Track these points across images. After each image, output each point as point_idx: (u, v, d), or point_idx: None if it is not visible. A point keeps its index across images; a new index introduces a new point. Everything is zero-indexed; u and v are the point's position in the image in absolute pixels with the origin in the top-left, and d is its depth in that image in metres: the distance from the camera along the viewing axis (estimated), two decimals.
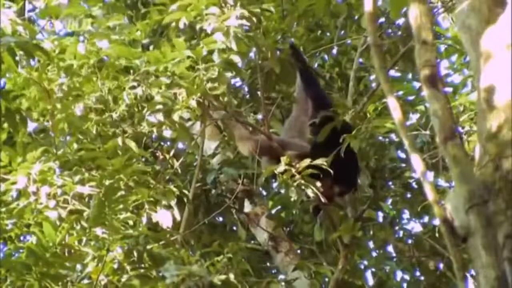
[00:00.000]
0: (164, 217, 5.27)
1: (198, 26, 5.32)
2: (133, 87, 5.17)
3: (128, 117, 5.22)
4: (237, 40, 5.19)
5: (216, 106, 5.73)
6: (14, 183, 4.82)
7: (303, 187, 5.51)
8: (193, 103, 5.16)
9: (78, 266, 4.89)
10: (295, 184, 5.50)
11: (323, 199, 5.67)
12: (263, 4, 5.61)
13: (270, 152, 6.08)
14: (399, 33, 6.83)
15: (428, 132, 6.30)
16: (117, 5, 6.46)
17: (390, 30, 6.97)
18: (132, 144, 5.19)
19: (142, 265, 4.84)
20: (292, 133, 6.39)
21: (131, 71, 5.23)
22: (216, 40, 5.20)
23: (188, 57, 5.19)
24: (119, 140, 5.16)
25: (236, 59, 5.27)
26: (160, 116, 5.15)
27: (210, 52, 5.26)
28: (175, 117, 5.16)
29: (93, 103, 5.20)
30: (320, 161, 5.48)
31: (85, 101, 5.18)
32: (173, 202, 5.35)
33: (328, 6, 6.74)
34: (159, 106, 5.15)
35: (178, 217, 5.41)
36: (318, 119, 6.01)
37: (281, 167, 5.50)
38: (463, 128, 6.14)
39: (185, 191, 5.86)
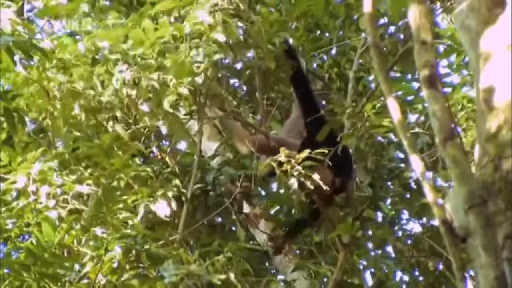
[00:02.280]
0: (161, 208, 5.23)
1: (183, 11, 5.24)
2: (121, 71, 5.09)
3: (117, 102, 5.13)
4: (223, 17, 5.10)
5: (213, 103, 5.68)
6: (14, 182, 4.82)
7: (302, 178, 5.46)
8: (184, 90, 5.06)
9: (77, 266, 4.88)
10: (295, 174, 5.44)
11: (326, 187, 5.60)
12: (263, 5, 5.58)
13: (268, 151, 6.07)
14: (400, 35, 6.81)
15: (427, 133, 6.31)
16: (113, 5, 6.42)
17: (390, 31, 6.96)
18: (118, 128, 5.12)
19: (141, 265, 4.83)
20: (291, 133, 6.38)
21: (120, 56, 5.14)
22: (198, 17, 5.11)
23: (173, 36, 5.09)
24: (109, 126, 5.10)
25: (221, 37, 5.16)
26: (151, 105, 5.07)
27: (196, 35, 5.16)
28: (166, 105, 5.07)
29: (82, 88, 5.14)
30: (319, 151, 5.45)
31: (78, 89, 5.12)
32: (170, 193, 5.32)
33: (327, 7, 6.73)
34: (150, 95, 5.06)
35: (175, 208, 5.37)
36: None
37: (281, 157, 5.46)
38: (460, 126, 6.14)
39: (184, 190, 5.85)
